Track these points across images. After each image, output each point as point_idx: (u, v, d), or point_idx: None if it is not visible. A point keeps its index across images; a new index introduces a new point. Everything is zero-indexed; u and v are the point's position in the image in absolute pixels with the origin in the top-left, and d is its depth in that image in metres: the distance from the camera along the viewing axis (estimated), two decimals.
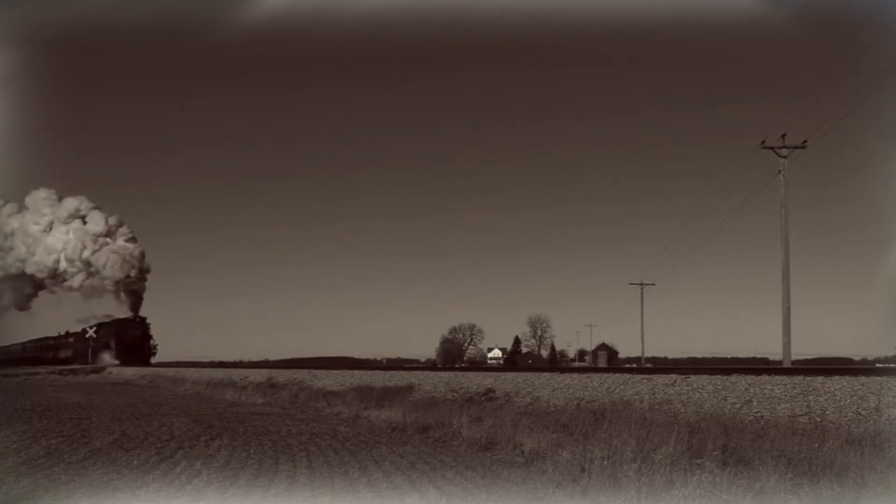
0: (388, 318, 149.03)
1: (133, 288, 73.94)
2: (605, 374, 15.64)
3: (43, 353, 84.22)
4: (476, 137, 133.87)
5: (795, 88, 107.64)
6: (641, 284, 63.82)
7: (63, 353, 77.91)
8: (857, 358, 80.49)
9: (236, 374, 30.14)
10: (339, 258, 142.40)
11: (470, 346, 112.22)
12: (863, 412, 9.91)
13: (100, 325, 72.25)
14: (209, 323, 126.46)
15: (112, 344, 68.53)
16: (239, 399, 21.68)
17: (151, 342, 72.22)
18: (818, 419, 10.10)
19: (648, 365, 59.05)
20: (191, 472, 8.72)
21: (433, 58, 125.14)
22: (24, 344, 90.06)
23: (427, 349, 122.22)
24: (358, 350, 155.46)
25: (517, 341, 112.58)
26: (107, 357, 66.37)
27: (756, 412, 10.95)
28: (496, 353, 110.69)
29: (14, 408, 18.34)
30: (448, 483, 8.04)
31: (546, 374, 17.05)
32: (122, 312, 76.78)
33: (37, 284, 77.27)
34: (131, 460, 9.60)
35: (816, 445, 8.29)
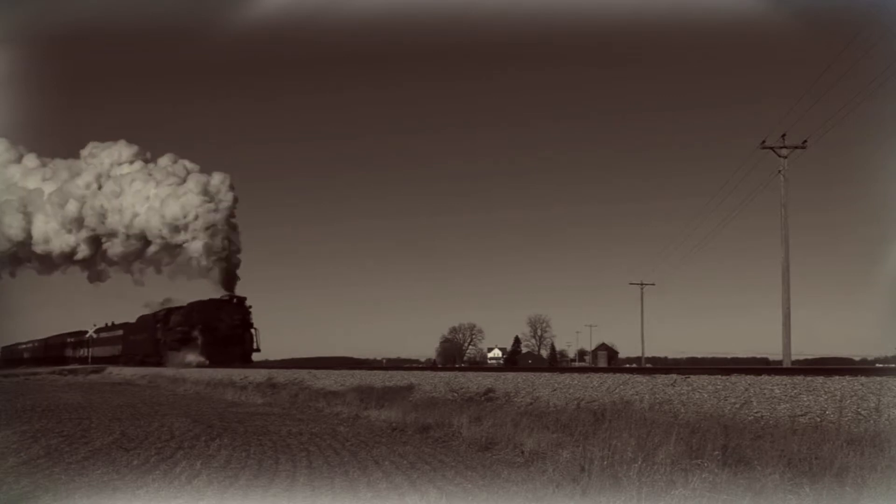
0: (388, 318, 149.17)
1: (224, 255, 49.52)
2: (605, 374, 15.63)
3: (69, 350, 68.98)
4: (476, 137, 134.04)
5: (795, 88, 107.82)
6: (641, 284, 63.92)
7: (105, 350, 61.19)
8: (857, 358, 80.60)
9: (236, 374, 30.15)
10: (339, 258, 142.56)
11: (470, 346, 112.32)
12: (863, 412, 9.91)
13: (170, 311, 50.23)
14: None
15: (197, 336, 45.97)
16: (239, 399, 21.67)
17: (253, 331, 47.52)
18: (818, 419, 10.10)
19: (648, 365, 59.04)
20: (191, 472, 8.71)
21: (433, 58, 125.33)
22: (46, 340, 75.17)
23: (427, 349, 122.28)
24: (358, 350, 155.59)
25: (517, 341, 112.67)
26: (189, 356, 45.26)
27: (756, 412, 10.95)
28: (496, 353, 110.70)
29: (14, 408, 18.34)
30: (448, 483, 8.04)
31: (546, 374, 17.06)
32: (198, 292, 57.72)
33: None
34: (131, 460, 9.60)
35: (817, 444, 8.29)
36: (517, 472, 8.56)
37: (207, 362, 43.49)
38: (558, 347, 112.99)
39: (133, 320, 58.10)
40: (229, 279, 49.18)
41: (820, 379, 11.42)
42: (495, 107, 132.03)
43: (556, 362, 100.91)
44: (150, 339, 51.99)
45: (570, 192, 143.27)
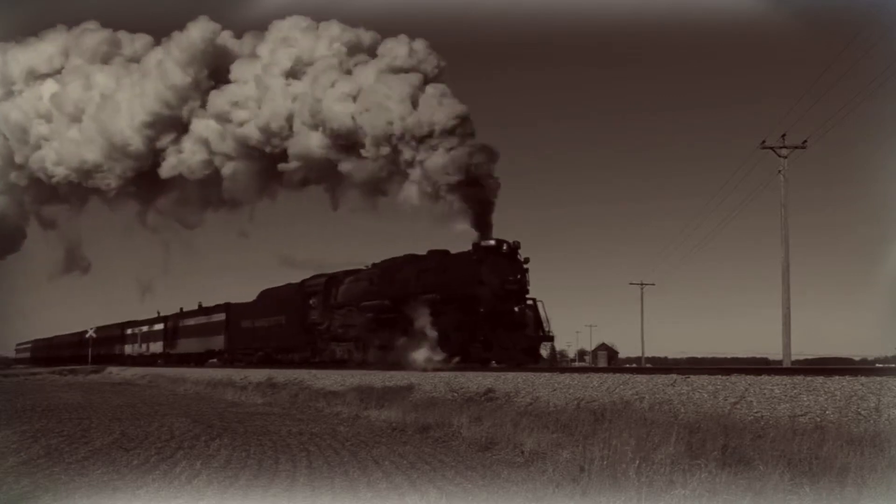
0: None
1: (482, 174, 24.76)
2: (605, 374, 15.62)
3: (119, 345, 55.67)
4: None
5: (795, 88, 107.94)
6: (641, 284, 64.01)
7: (192, 344, 44.76)
8: (857, 358, 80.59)
9: (236, 374, 30.15)
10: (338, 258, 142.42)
11: None
12: (863, 412, 9.91)
13: (333, 278, 30.28)
14: None
15: (424, 317, 23.22)
16: (239, 399, 21.68)
17: (536, 303, 24.13)
18: (818, 419, 10.10)
19: (648, 365, 59.03)
20: (191, 472, 8.71)
21: None
22: (80, 334, 60.45)
23: None
24: None
25: None
26: (420, 353, 23.01)
27: (756, 412, 10.95)
28: None
29: (14, 408, 18.34)
30: (448, 483, 8.04)
31: (546, 374, 17.04)
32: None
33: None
34: (131, 460, 9.61)
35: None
36: (517, 472, 8.56)
37: (448, 361, 22.43)
38: (558, 347, 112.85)
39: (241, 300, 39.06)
40: (486, 215, 24.59)
41: (820, 379, 11.42)
42: (495, 107, 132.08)
43: (555, 362, 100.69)
44: (291, 323, 32.18)
45: (571, 191, 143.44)
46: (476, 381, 17.67)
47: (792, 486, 7.07)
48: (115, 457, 9.91)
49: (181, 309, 49.10)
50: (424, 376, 19.85)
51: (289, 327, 32.84)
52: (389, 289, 25.88)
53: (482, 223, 24.30)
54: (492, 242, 23.68)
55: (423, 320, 23.19)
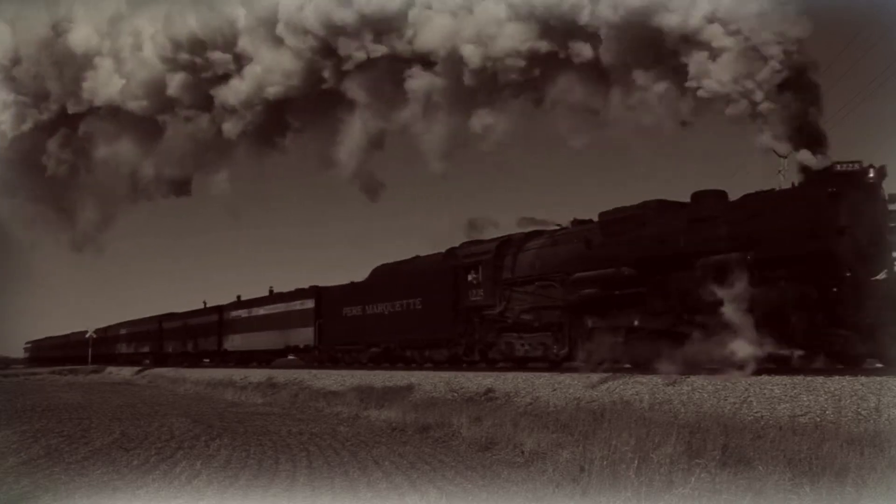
0: None
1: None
2: (605, 374, 15.62)
3: (148, 343, 48.49)
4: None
5: None
6: None
7: (268, 338, 34.80)
8: None
9: (236, 374, 30.15)
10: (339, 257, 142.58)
11: None
12: (863, 412, 9.92)
13: (507, 241, 21.27)
14: None
15: (727, 289, 13.79)
16: (239, 399, 21.69)
17: None
18: (818, 419, 10.11)
19: None
20: (191, 472, 8.72)
21: None
22: (105, 330, 55.42)
23: None
24: None
25: None
26: (723, 345, 13.39)
27: (756, 412, 10.96)
28: None
29: (14, 408, 18.35)
30: (448, 483, 8.05)
31: (546, 374, 17.05)
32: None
33: None
34: (131, 460, 9.62)
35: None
36: (517, 472, 8.57)
37: (790, 355, 13.56)
38: None
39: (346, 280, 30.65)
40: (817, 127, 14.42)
41: (820, 379, 11.43)
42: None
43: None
44: (434, 308, 23.50)
45: (570, 191, 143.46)
46: (476, 381, 17.68)
47: (792, 486, 7.07)
48: (115, 457, 9.92)
49: (238, 297, 39.46)
50: (425, 376, 19.79)
51: (429, 313, 23.85)
52: (630, 250, 16.95)
53: (814, 137, 14.65)
54: (854, 166, 14.10)
55: (722, 294, 14.20)
